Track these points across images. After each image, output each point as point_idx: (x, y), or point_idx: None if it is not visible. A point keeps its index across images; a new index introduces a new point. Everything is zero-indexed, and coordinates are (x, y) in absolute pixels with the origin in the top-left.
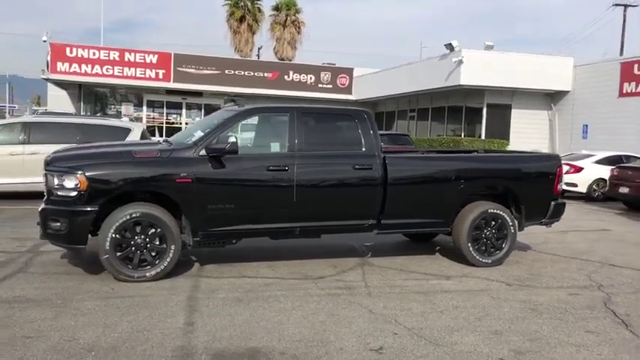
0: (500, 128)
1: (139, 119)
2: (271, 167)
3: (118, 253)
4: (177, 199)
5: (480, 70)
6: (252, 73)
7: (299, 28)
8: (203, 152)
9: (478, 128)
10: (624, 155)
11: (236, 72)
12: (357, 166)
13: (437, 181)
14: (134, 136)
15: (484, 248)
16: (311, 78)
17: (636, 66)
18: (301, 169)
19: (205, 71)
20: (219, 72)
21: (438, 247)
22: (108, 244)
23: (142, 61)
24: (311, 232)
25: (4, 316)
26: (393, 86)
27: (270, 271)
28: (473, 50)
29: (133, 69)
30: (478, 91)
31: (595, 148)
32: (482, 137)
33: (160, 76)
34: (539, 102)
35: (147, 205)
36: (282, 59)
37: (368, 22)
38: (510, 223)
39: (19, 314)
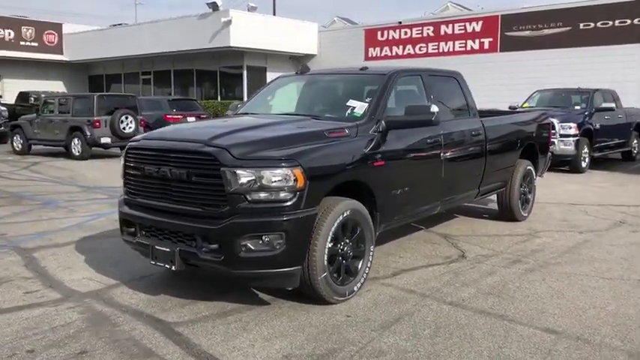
0: None
1: None
2: (429, 140)
3: (330, 268)
4: (373, 187)
5: (246, 31)
6: None
7: None
8: (383, 127)
9: (237, 91)
10: None
11: None
12: (473, 133)
13: (511, 142)
14: None
15: (521, 203)
16: (10, 33)
17: (379, 33)
18: (446, 141)
19: None
20: None
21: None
22: (326, 258)
23: None
24: (444, 208)
25: None
26: (125, 46)
27: (402, 259)
28: (239, 11)
29: None
30: (236, 54)
31: None
32: (245, 99)
33: None
34: (289, 65)
35: (349, 200)
36: None
37: None
38: (535, 177)
39: None
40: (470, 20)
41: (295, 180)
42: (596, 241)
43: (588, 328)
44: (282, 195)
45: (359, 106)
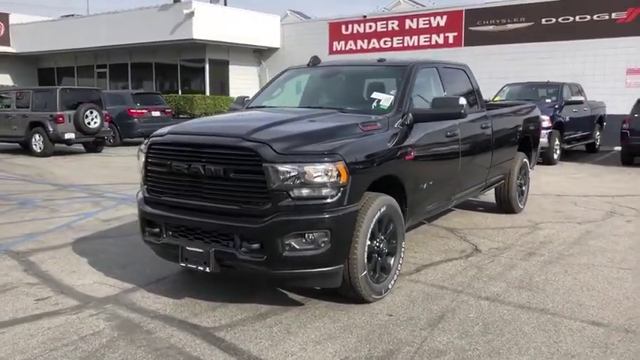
0: (222, 84)
1: None
2: (449, 133)
3: (368, 266)
4: (404, 182)
5: (208, 24)
6: None
7: None
8: (410, 119)
9: (197, 84)
10: None
11: None
12: (482, 125)
13: (512, 134)
14: None
15: (518, 195)
16: None
17: (343, 27)
18: (463, 134)
19: None
20: None
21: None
22: (366, 255)
23: None
24: (457, 203)
25: None
26: (79, 38)
27: (418, 254)
28: (201, 3)
29: None
30: (197, 46)
31: None
32: (207, 94)
33: None
34: (251, 58)
35: (385, 195)
36: None
37: None
38: (529, 169)
39: None
40: (434, 15)
41: (338, 175)
42: (598, 232)
43: (632, 320)
44: (325, 191)
45: (385, 99)
